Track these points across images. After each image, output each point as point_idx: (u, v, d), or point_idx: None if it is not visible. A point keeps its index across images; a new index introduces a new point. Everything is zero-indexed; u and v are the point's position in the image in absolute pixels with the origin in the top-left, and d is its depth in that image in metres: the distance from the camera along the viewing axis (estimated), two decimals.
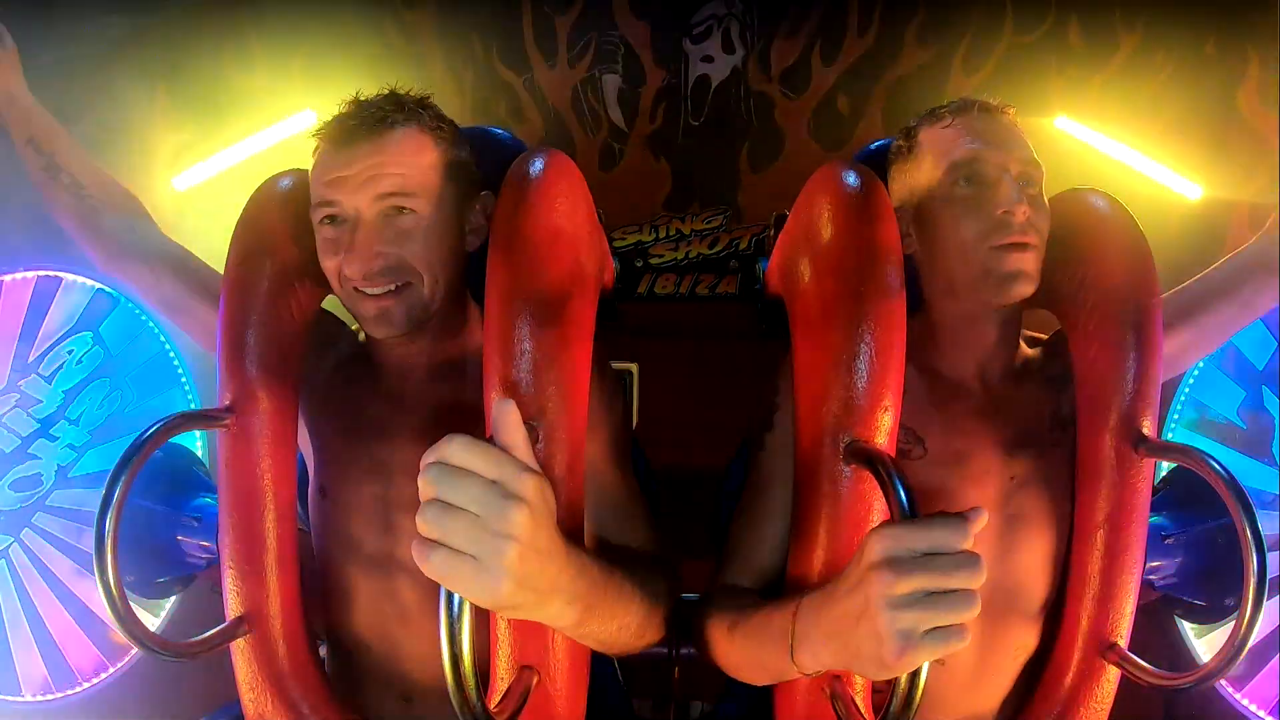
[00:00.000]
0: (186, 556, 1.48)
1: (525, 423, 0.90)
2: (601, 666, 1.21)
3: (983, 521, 0.66)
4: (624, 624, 0.87)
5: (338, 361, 1.13)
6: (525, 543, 0.64)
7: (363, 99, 1.01)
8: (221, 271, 1.06)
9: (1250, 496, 0.93)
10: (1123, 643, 1.00)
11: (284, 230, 1.04)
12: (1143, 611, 1.03)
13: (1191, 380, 1.66)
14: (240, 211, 1.06)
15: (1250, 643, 0.91)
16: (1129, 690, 1.03)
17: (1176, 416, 1.66)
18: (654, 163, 2.27)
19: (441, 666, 0.71)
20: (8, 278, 1.84)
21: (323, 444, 1.10)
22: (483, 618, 0.94)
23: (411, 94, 1.03)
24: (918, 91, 2.19)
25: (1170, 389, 1.68)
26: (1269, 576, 0.93)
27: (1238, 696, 1.57)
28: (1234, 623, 0.92)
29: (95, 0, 1.95)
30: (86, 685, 1.75)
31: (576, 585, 0.74)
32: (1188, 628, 1.55)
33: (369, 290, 0.97)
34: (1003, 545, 1.04)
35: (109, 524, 0.89)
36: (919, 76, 2.20)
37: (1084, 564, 1.02)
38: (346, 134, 0.97)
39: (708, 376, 2.05)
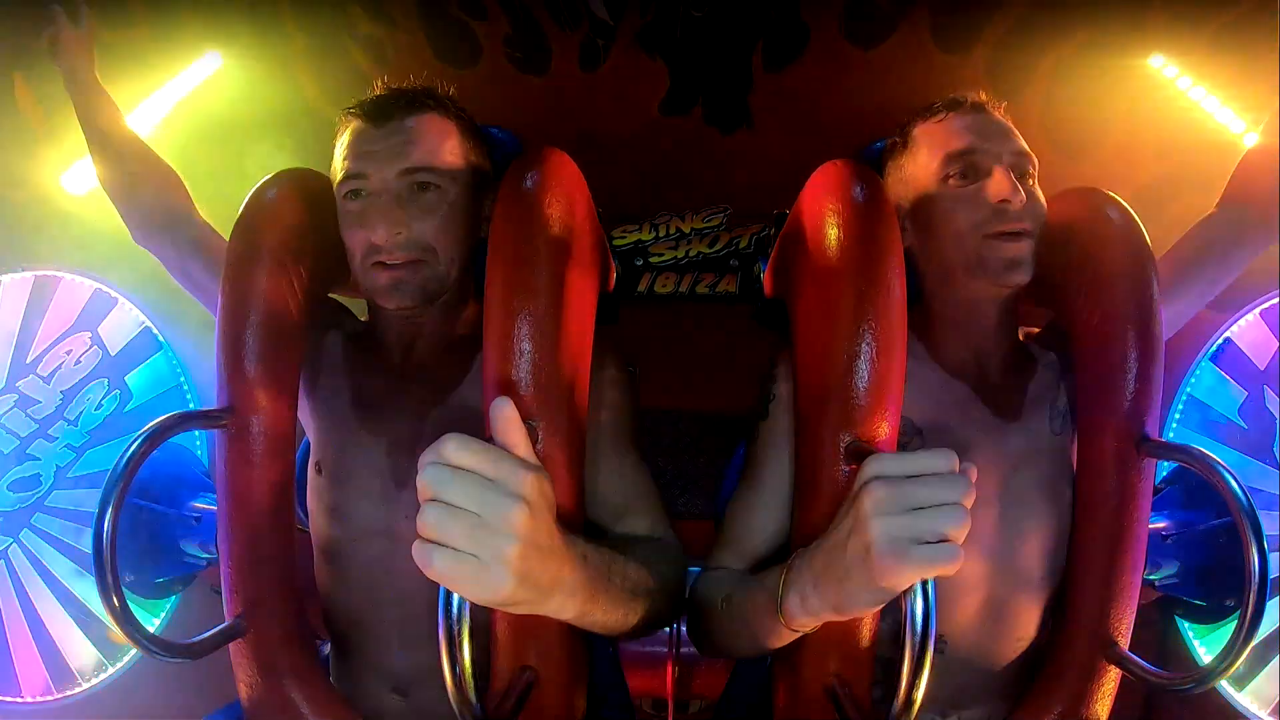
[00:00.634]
0: (186, 556, 1.48)
1: (525, 421, 0.90)
2: (602, 666, 1.21)
3: (973, 473, 0.69)
4: (630, 609, 0.87)
5: (339, 342, 1.15)
6: (526, 540, 0.64)
7: (394, 88, 1.07)
8: (223, 267, 1.06)
9: (1251, 496, 0.93)
10: (1123, 642, 1.00)
11: (283, 230, 1.04)
12: (1143, 611, 1.03)
13: (1191, 380, 1.66)
14: (240, 212, 1.06)
15: (1251, 643, 0.91)
16: (1128, 690, 1.03)
17: (1177, 416, 1.66)
18: (647, 61, 1.93)
19: (437, 657, 0.71)
20: (7, 278, 1.84)
21: (322, 420, 1.11)
22: (483, 618, 0.94)
23: (441, 90, 1.10)
24: None
25: (1170, 389, 1.67)
26: (1269, 576, 0.93)
27: (1238, 696, 1.57)
28: (1234, 623, 0.91)
29: None
30: (86, 685, 1.75)
31: (578, 578, 0.75)
32: (1188, 628, 1.55)
33: (388, 260, 1.01)
34: (1002, 534, 1.04)
35: (109, 524, 0.89)
36: None
37: (1085, 563, 1.02)
38: (377, 112, 1.03)
39: (708, 376, 2.05)
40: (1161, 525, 1.35)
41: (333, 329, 1.15)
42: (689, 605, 1.06)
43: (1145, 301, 1.00)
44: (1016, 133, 1.05)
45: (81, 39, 1.29)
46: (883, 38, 1.80)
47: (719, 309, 2.13)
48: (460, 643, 0.72)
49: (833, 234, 0.96)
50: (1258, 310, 1.63)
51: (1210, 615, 1.42)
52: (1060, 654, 1.04)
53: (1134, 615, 1.02)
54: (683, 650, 1.20)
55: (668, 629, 1.52)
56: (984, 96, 1.08)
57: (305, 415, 1.12)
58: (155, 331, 1.81)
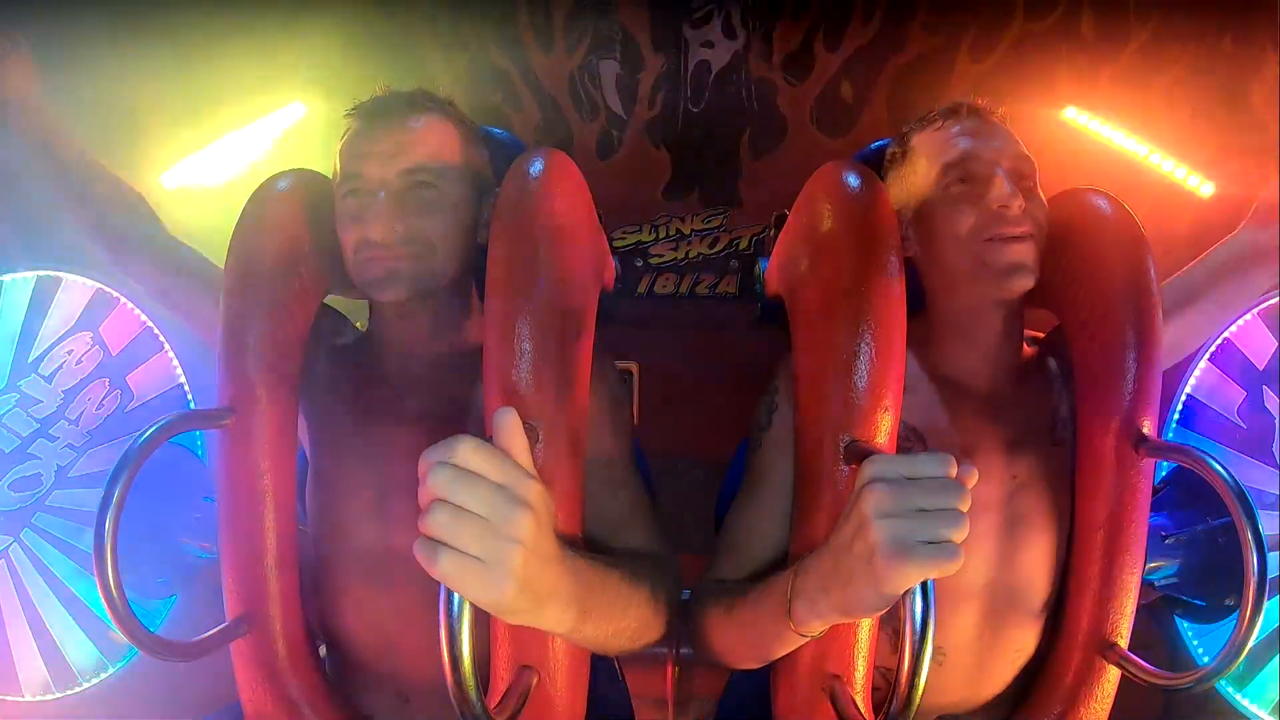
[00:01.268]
0: (186, 556, 1.48)
1: (525, 423, 0.90)
2: (602, 666, 1.20)
3: (973, 475, 0.69)
4: (620, 627, 0.87)
5: (338, 351, 1.14)
6: (530, 547, 0.64)
7: (395, 91, 1.07)
8: (224, 268, 1.06)
9: (1250, 496, 0.92)
10: (1123, 643, 1.00)
11: (284, 230, 1.04)
12: (1143, 611, 1.03)
13: (1192, 380, 1.66)
14: (239, 212, 1.06)
15: (1250, 643, 0.91)
16: (1129, 690, 1.03)
17: (1176, 416, 1.66)
18: (653, 151, 2.23)
19: (438, 662, 0.71)
20: (7, 278, 1.84)
21: (320, 430, 1.11)
22: (483, 617, 0.94)
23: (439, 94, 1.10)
24: (923, 78, 2.14)
25: (1170, 389, 1.67)
26: (1269, 576, 0.93)
27: (1238, 696, 1.57)
28: (1234, 623, 0.91)
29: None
30: (86, 685, 1.75)
31: (574, 590, 0.75)
32: (1187, 628, 1.55)
33: (381, 255, 1.00)
34: (1003, 544, 1.04)
35: (109, 524, 0.90)
36: (924, 64, 2.16)
37: (1084, 564, 1.02)
38: (377, 112, 1.04)
39: (708, 376, 2.05)
40: (1161, 525, 1.34)
41: (330, 335, 1.15)
42: (690, 615, 1.05)
43: (1144, 300, 1.00)
44: (1015, 137, 1.05)
45: (25, 67, 1.21)
46: (849, 126, 2.20)
47: (719, 309, 2.14)
48: (460, 643, 0.72)
49: (832, 233, 0.96)
50: (1258, 310, 1.63)
51: (1210, 615, 1.41)
52: (1060, 655, 1.04)
53: (1134, 615, 1.02)
54: (683, 650, 1.20)
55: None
56: (981, 102, 1.07)
57: (302, 424, 1.12)
58: (156, 332, 1.81)
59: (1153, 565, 1.32)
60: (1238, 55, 2.01)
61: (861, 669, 0.95)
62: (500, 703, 0.89)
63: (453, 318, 1.10)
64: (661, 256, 2.15)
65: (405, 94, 1.07)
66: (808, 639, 0.84)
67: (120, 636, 0.92)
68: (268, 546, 1.02)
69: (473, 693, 0.73)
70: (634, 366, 2.09)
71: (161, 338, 1.81)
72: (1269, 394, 1.62)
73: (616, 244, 2.15)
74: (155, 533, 1.45)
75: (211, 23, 2.06)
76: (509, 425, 0.67)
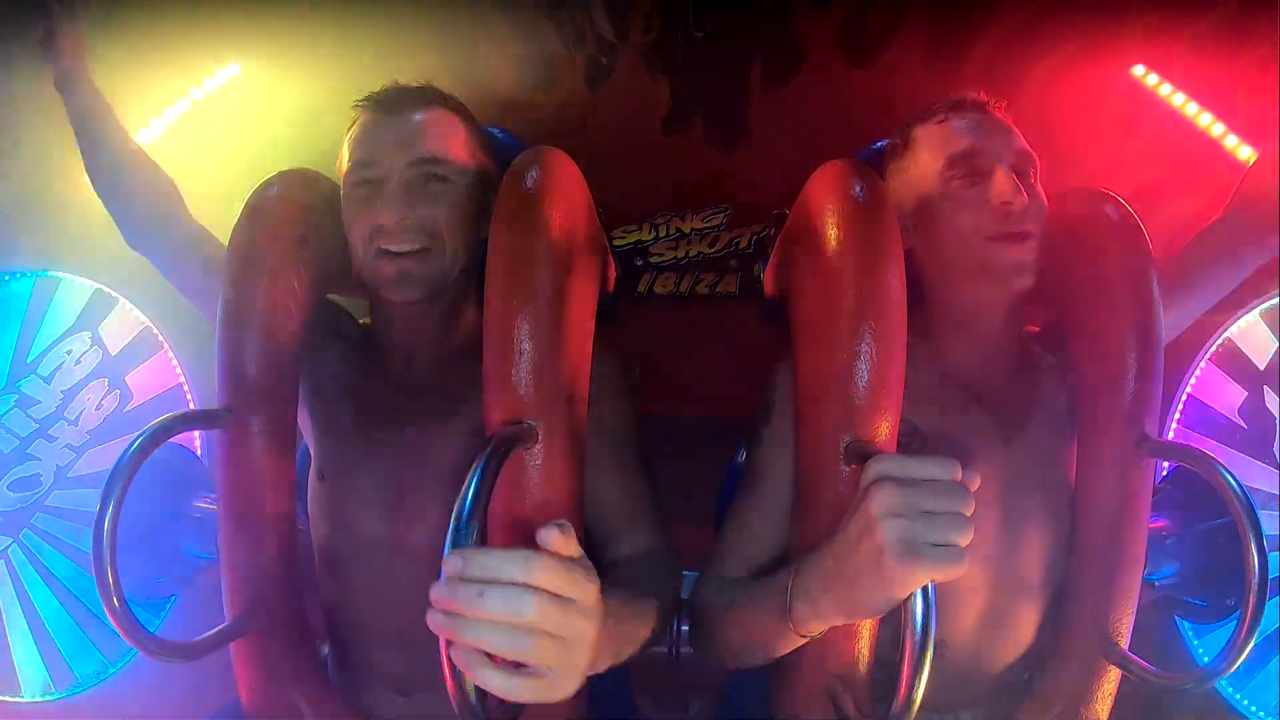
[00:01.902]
0: (186, 556, 1.48)
1: (525, 423, 0.90)
2: None
3: (975, 480, 0.69)
4: (634, 649, 0.89)
5: (340, 347, 1.14)
6: (594, 650, 0.65)
7: (402, 84, 1.09)
8: (223, 267, 1.06)
9: (1250, 497, 0.92)
10: (1123, 643, 1.00)
11: (283, 231, 1.04)
12: (1143, 611, 1.03)
13: (1192, 380, 1.66)
14: (239, 213, 1.06)
15: (1251, 643, 0.91)
16: (1129, 690, 1.03)
17: (1177, 416, 1.66)
18: (650, 79, 1.99)
19: (439, 659, 0.71)
20: (7, 278, 1.84)
21: (323, 428, 1.11)
22: None
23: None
24: (967, 6, 1.84)
25: (1170, 389, 1.67)
26: (1270, 577, 0.93)
27: (1238, 696, 1.57)
28: (1234, 623, 0.91)
29: None
30: (86, 685, 1.75)
31: (611, 646, 0.76)
32: (1188, 628, 1.55)
33: (394, 248, 1.01)
34: (1002, 540, 1.04)
35: (108, 524, 0.89)
36: None
37: (1085, 563, 1.02)
38: (389, 103, 1.05)
39: (708, 375, 2.05)
40: (1161, 525, 1.34)
41: (332, 333, 1.15)
42: (692, 613, 1.05)
43: (1145, 301, 1.00)
44: (1017, 132, 1.05)
45: (77, 37, 1.26)
46: (875, 55, 1.88)
47: (719, 309, 2.13)
48: None
49: (833, 234, 0.96)
50: (1258, 310, 1.63)
51: (1210, 615, 1.41)
52: (1060, 654, 1.04)
53: (1134, 615, 1.01)
54: (683, 650, 1.20)
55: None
56: (984, 96, 1.07)
57: (305, 421, 1.12)
58: (155, 331, 1.81)
59: (1153, 565, 1.32)
60: None
61: (861, 668, 0.95)
62: (501, 703, 0.88)
63: (459, 315, 1.10)
64: (661, 256, 2.14)
65: (415, 88, 1.08)
66: (808, 639, 0.84)
67: (120, 636, 0.92)
68: (268, 546, 1.02)
69: (472, 692, 0.73)
70: (634, 366, 2.09)
71: (161, 338, 1.81)
72: (1269, 394, 1.62)
73: (616, 244, 2.13)
74: (155, 533, 1.45)
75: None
76: (557, 540, 0.63)
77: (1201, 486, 1.31)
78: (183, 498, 1.49)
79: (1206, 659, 1.53)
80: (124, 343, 1.81)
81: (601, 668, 0.76)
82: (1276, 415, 1.62)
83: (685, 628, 1.13)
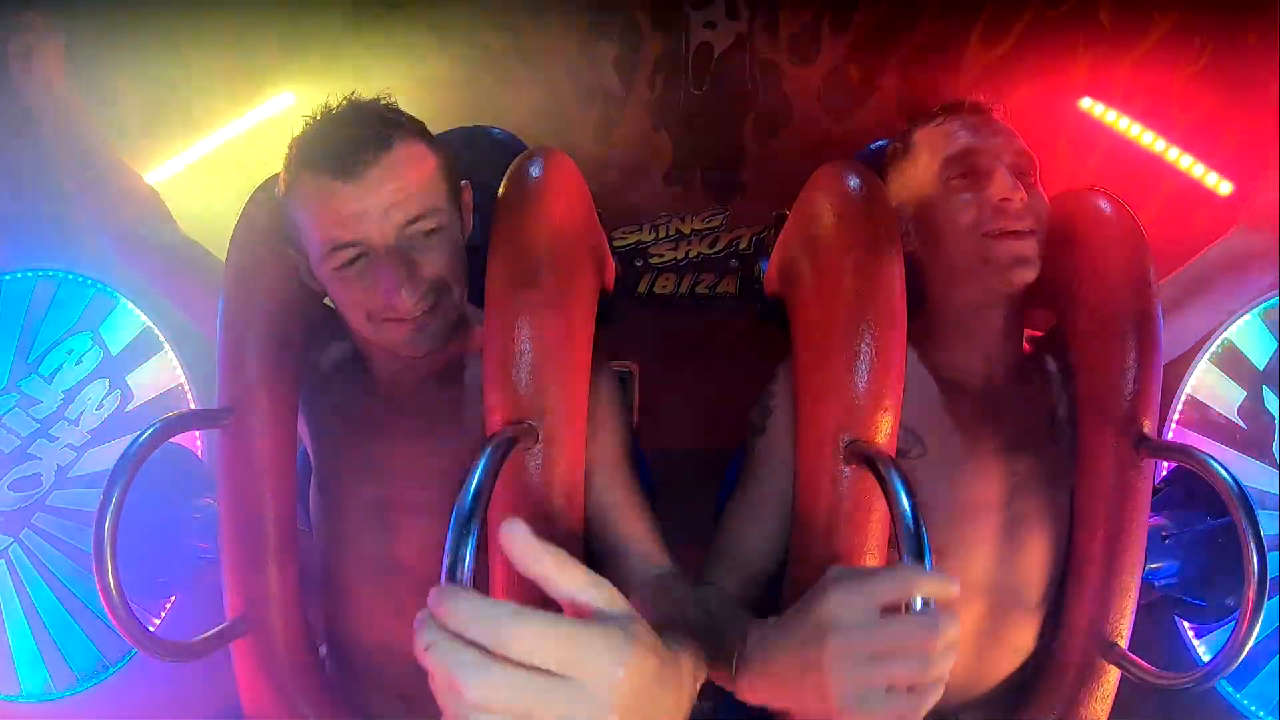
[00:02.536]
0: (186, 556, 1.48)
1: (525, 423, 0.90)
2: None
3: (954, 589, 0.62)
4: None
5: (338, 359, 1.13)
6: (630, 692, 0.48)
7: (337, 119, 0.94)
8: (224, 269, 1.06)
9: (1250, 497, 0.92)
10: (1123, 643, 1.00)
11: (283, 231, 1.04)
12: (1143, 611, 1.03)
13: (1192, 380, 1.66)
14: (239, 214, 1.06)
15: (1250, 643, 0.91)
16: (1129, 690, 1.03)
17: (1176, 416, 1.66)
18: (654, 134, 2.17)
19: None
20: (7, 277, 1.84)
21: (322, 441, 1.10)
22: None
23: (380, 100, 0.97)
24: (934, 63, 2.07)
25: (1170, 389, 1.67)
26: (1269, 576, 0.93)
27: (1238, 696, 1.57)
28: (1234, 623, 0.91)
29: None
30: (87, 685, 1.75)
31: (692, 682, 0.65)
32: (1187, 628, 1.55)
33: (408, 316, 0.92)
34: (1003, 543, 1.04)
35: (109, 524, 0.90)
36: (935, 47, 2.07)
37: (1084, 564, 1.02)
38: (350, 164, 0.89)
39: (708, 375, 2.05)
40: (1161, 525, 1.34)
41: (328, 339, 1.13)
42: None
43: (1144, 301, 1.00)
44: (1016, 133, 1.05)
45: (57, 50, 1.22)
46: (855, 111, 2.11)
47: (719, 309, 2.14)
48: None
49: (833, 234, 0.96)
50: (1258, 310, 1.63)
51: (1210, 615, 1.41)
52: (1060, 654, 1.04)
53: (1134, 615, 1.01)
54: None
55: None
56: (983, 98, 1.07)
57: (304, 432, 1.11)
58: (156, 331, 1.81)
59: (1153, 565, 1.31)
60: (1262, 51, 1.91)
61: None
62: None
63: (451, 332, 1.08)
64: (661, 256, 2.14)
65: (361, 126, 0.92)
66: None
67: (120, 636, 0.91)
68: (268, 546, 1.02)
69: None
70: (634, 366, 2.09)
71: (161, 338, 1.81)
72: (1269, 394, 1.62)
73: (616, 244, 2.14)
74: (155, 533, 1.45)
75: (195, 14, 1.97)
76: (523, 547, 0.47)
77: (1201, 486, 1.31)
78: (183, 498, 1.49)
79: (1206, 659, 1.53)
80: (124, 343, 1.81)
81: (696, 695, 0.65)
82: (1276, 415, 1.62)
83: None
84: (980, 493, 1.04)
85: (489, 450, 0.83)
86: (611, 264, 1.15)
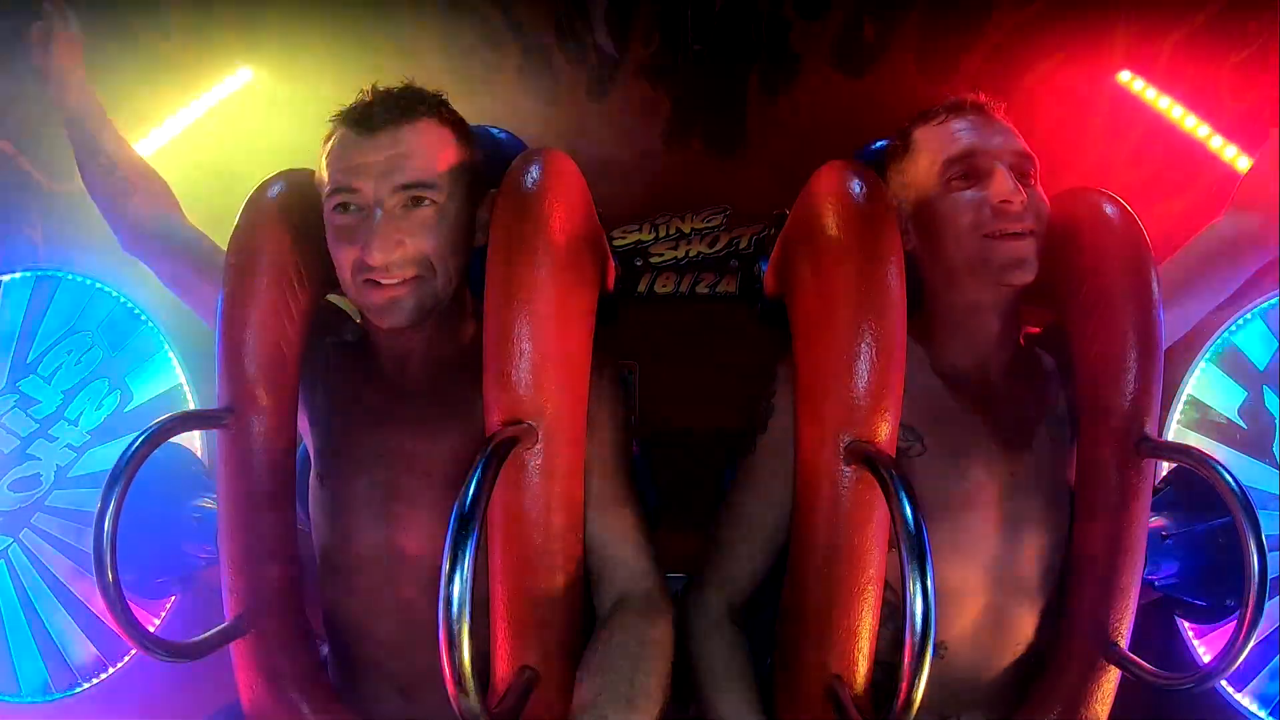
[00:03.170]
0: (186, 556, 1.48)
1: (525, 423, 0.90)
2: None
3: None
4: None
5: (338, 350, 1.13)
6: None
7: (385, 91, 1.01)
8: (223, 268, 1.06)
9: (1250, 497, 0.92)
10: (1123, 643, 1.00)
11: (282, 232, 1.04)
12: (1143, 611, 1.03)
13: (1191, 380, 1.66)
14: (238, 214, 1.06)
15: (1250, 643, 0.91)
16: (1129, 690, 1.03)
17: (1177, 416, 1.66)
18: (650, 93, 2.02)
19: (439, 661, 0.71)
20: (7, 278, 1.84)
21: (321, 432, 1.11)
22: (483, 617, 0.94)
23: (436, 91, 1.05)
24: (957, 20, 1.89)
25: (1170, 389, 1.67)
26: (1269, 576, 0.93)
27: (1238, 696, 1.57)
28: (1234, 623, 0.91)
29: None
30: (86, 685, 1.75)
31: None
32: (1187, 628, 1.55)
33: (384, 280, 0.97)
34: (1004, 541, 1.04)
35: (108, 525, 0.89)
36: (958, 3, 1.90)
37: (1084, 563, 1.03)
38: (370, 120, 0.98)
39: (708, 375, 2.05)
40: (1161, 525, 1.34)
41: (330, 335, 1.14)
42: (682, 632, 1.07)
43: (1144, 300, 1.00)
44: (1017, 133, 1.05)
45: (73, 40, 1.26)
46: (869, 66, 1.95)
47: (719, 309, 2.13)
48: (460, 643, 0.72)
49: (833, 234, 0.96)
50: (1258, 310, 1.63)
51: (1210, 615, 1.41)
52: (1060, 654, 1.04)
53: (1134, 615, 1.02)
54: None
55: None
56: (984, 98, 1.07)
57: (303, 425, 1.12)
58: (156, 331, 1.81)
59: (1153, 565, 1.32)
60: None
61: (862, 668, 0.95)
62: (500, 702, 0.89)
63: (449, 322, 1.08)
64: (661, 256, 2.14)
65: (395, 97, 1.00)
66: None
67: (120, 636, 0.91)
68: (267, 546, 1.02)
69: (472, 692, 0.73)
70: (634, 366, 2.09)
71: (162, 338, 1.81)
72: (1269, 394, 1.63)
73: (616, 244, 2.13)
74: (155, 533, 1.45)
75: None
76: None
77: (1201, 486, 1.31)
78: (183, 498, 1.49)
79: (1206, 659, 1.53)
80: (124, 343, 1.81)
81: None
82: (1276, 415, 1.62)
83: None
84: (979, 490, 1.04)
85: (489, 450, 0.83)
86: (611, 264, 1.15)
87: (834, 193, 0.99)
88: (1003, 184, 0.99)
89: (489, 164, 1.12)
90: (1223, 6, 1.82)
